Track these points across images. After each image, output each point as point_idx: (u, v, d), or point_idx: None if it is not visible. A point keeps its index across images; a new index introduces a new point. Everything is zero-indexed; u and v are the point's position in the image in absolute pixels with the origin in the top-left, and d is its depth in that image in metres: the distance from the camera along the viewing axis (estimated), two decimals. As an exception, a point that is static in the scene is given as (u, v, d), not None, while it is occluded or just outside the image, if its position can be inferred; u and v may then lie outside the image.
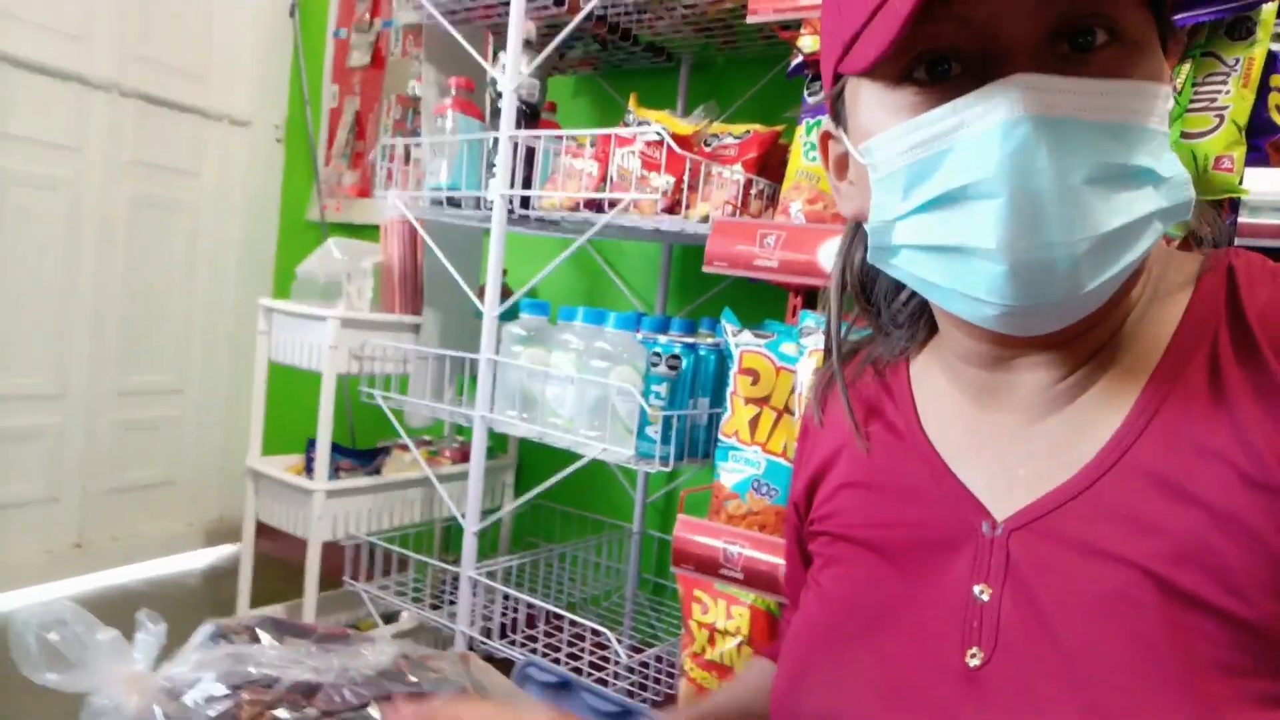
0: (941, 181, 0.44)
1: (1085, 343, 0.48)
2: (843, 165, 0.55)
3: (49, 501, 2.20)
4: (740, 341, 1.22)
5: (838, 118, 0.53)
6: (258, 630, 0.71)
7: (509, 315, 1.45)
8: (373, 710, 0.66)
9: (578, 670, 1.36)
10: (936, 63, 0.44)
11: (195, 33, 2.39)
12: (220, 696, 0.62)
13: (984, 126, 0.41)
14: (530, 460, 2.01)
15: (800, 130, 1.22)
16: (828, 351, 0.64)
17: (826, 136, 0.56)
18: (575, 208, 1.39)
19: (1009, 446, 0.50)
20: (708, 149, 1.45)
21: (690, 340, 1.34)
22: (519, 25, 1.41)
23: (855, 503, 0.57)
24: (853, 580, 0.55)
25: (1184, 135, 0.83)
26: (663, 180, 1.34)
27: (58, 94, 2.10)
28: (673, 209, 1.35)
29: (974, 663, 0.46)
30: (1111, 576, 0.43)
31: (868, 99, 0.48)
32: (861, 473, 0.58)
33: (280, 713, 0.63)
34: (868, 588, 0.54)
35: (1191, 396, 0.45)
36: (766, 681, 0.65)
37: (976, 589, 0.48)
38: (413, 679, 0.71)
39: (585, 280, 1.98)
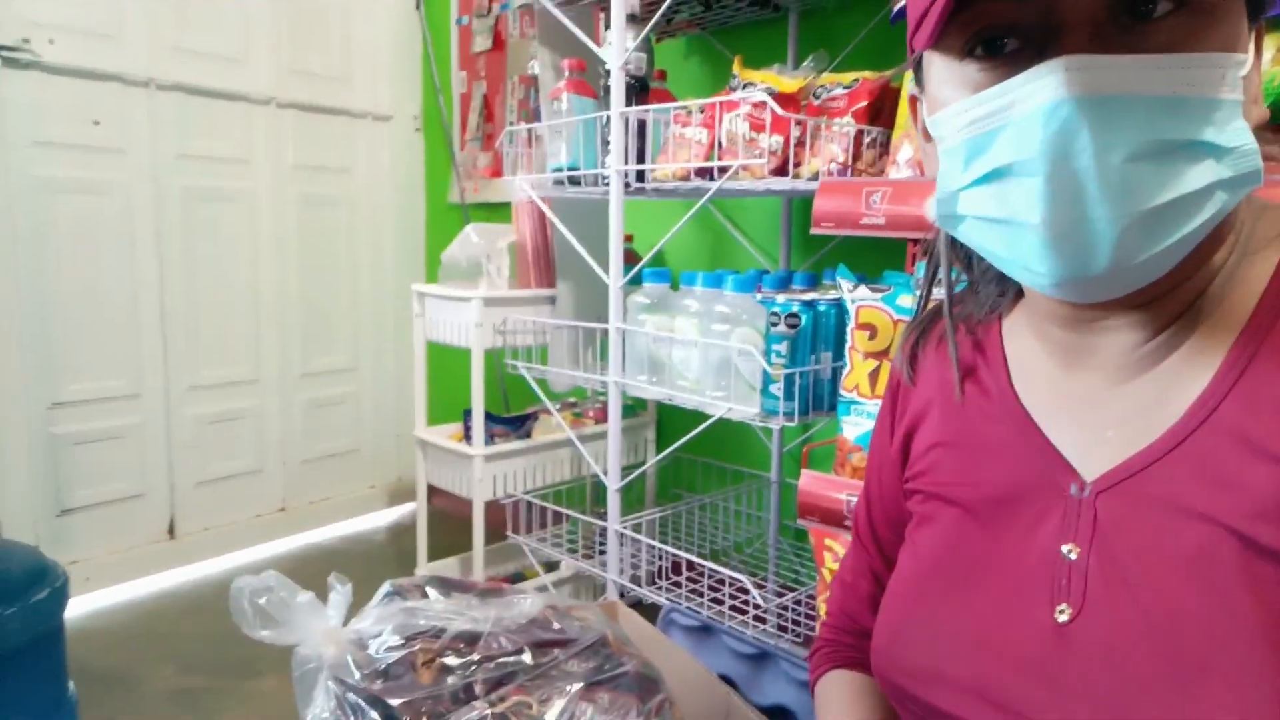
0: (994, 157, 0.45)
1: (1169, 304, 0.49)
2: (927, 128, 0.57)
3: (256, 473, 2.52)
4: (856, 297, 1.24)
5: (921, 84, 0.54)
6: (427, 588, 0.82)
7: (636, 281, 1.52)
8: (525, 655, 0.76)
9: (720, 614, 1.45)
10: (995, 38, 0.45)
11: (336, 41, 2.58)
12: (397, 646, 0.74)
13: (1030, 107, 0.42)
14: (669, 416, 2.10)
15: (910, 75, 1.20)
16: (920, 308, 0.66)
17: (914, 100, 0.58)
18: (687, 177, 1.43)
19: (1096, 408, 0.51)
20: (817, 101, 1.45)
21: (809, 297, 1.37)
22: (621, 3, 1.45)
23: (947, 461, 0.59)
24: (945, 538, 0.57)
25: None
26: (771, 140, 1.36)
27: (226, 113, 2.35)
28: (784, 168, 1.36)
29: (1062, 619, 0.48)
30: (1194, 534, 0.44)
31: (937, 72, 0.49)
32: (952, 432, 0.60)
33: (448, 659, 0.75)
34: (960, 545, 0.56)
35: (1278, 358, 0.45)
36: (857, 697, 0.68)
37: (1065, 548, 0.49)
38: (557, 626, 0.80)
39: (710, 238, 2.02)
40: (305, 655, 0.73)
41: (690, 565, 1.53)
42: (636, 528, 1.59)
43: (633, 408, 2.08)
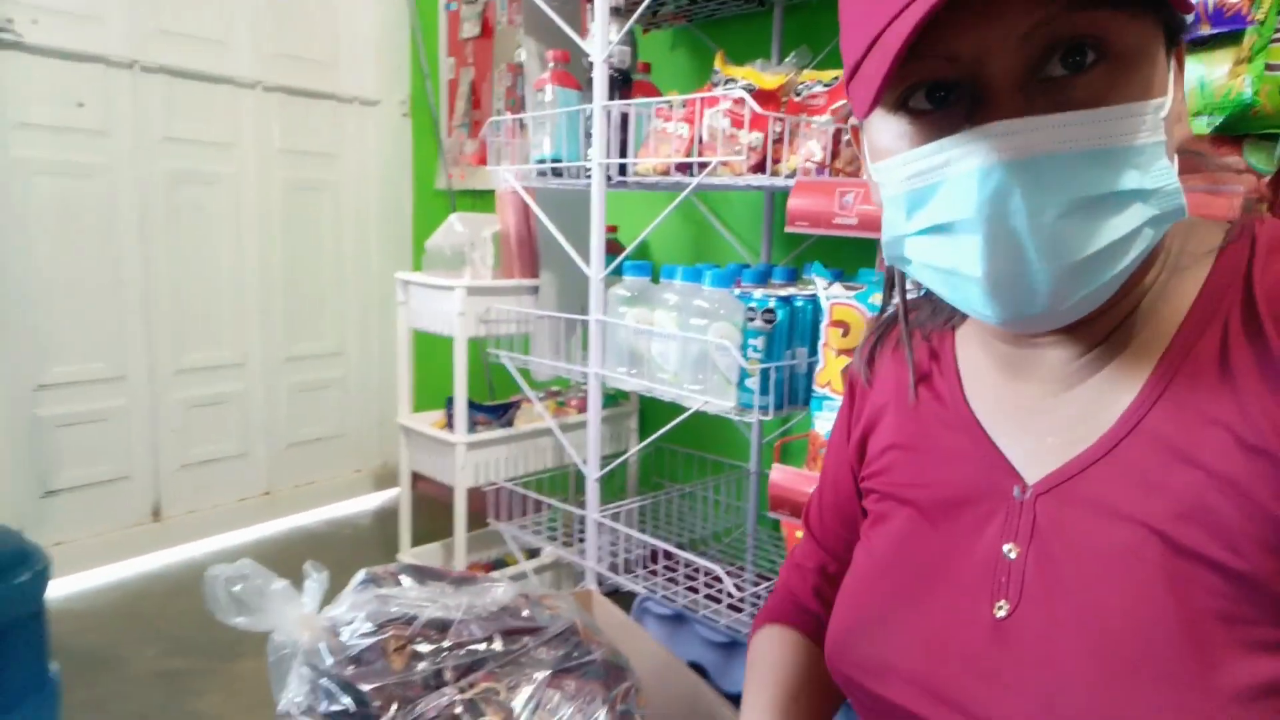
0: (934, 212, 0.48)
1: (1101, 322, 0.51)
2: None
3: (241, 457, 2.53)
4: (831, 294, 1.26)
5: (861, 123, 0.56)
6: (401, 576, 0.84)
7: (619, 272, 1.54)
8: (495, 643, 0.78)
9: (695, 603, 1.47)
10: (930, 93, 0.47)
11: (323, 24, 2.57)
12: (370, 632, 0.75)
13: (964, 169, 0.45)
14: (652, 406, 2.12)
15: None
16: (882, 311, 0.69)
17: (857, 130, 0.59)
18: (667, 171, 1.44)
19: (1038, 416, 0.54)
20: (798, 98, 1.46)
21: (785, 292, 1.39)
22: (605, -3, 1.46)
23: (901, 463, 0.62)
24: (898, 537, 0.60)
25: (1269, 67, 0.80)
26: (751, 137, 1.38)
27: (211, 96, 2.34)
28: (763, 164, 1.38)
29: (1001, 614, 0.51)
30: (1122, 535, 0.47)
31: (876, 120, 0.51)
32: (906, 435, 0.63)
33: (419, 646, 0.77)
34: (911, 544, 0.59)
35: (1200, 370, 0.47)
36: (789, 652, 0.72)
37: (1006, 547, 0.52)
38: (527, 614, 0.82)
39: (693, 230, 2.04)
40: (280, 641, 0.74)
41: (668, 554, 1.56)
42: (616, 516, 1.62)
43: (615, 397, 2.10)
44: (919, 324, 0.66)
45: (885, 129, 0.50)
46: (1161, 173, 0.45)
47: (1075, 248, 0.44)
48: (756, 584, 1.45)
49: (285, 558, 0.66)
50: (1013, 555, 0.52)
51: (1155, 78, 0.45)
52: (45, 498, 2.13)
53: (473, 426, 1.86)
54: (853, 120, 0.59)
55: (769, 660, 0.72)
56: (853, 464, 0.69)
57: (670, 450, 2.02)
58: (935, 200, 0.47)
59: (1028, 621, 0.50)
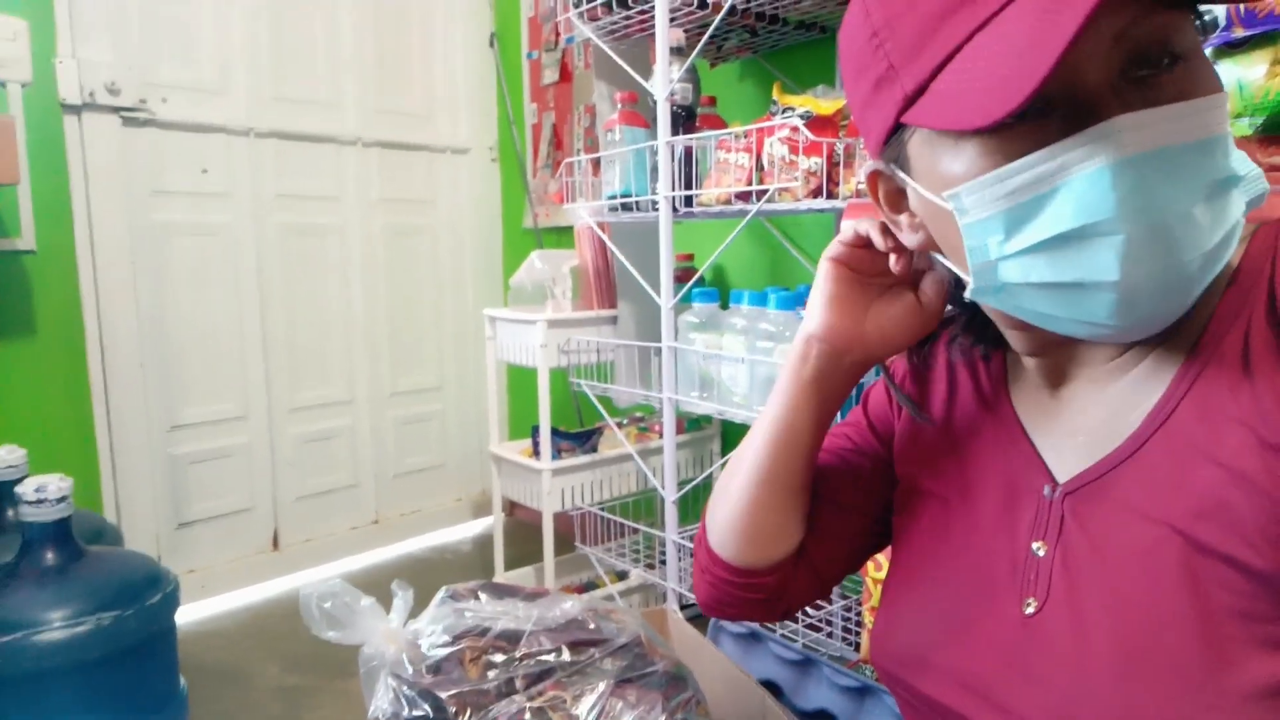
0: (1049, 224, 0.45)
1: None
2: (896, 200, 0.57)
3: (351, 487, 2.70)
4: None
5: (895, 159, 0.54)
6: (479, 592, 0.91)
7: (689, 300, 1.59)
8: (563, 653, 0.83)
9: (769, 624, 1.49)
10: (1034, 108, 0.45)
11: (417, 81, 2.76)
12: (446, 644, 0.82)
13: (1089, 169, 0.43)
14: (733, 429, 2.15)
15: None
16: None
17: (875, 175, 0.57)
18: (729, 200, 1.49)
19: (1072, 416, 0.55)
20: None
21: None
22: (664, 38, 1.53)
23: (941, 458, 0.64)
24: (933, 533, 0.62)
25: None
26: (810, 162, 1.41)
27: (318, 154, 2.54)
28: (824, 187, 1.41)
29: (1029, 611, 0.52)
30: (1145, 534, 0.48)
31: (934, 150, 0.49)
32: (946, 428, 0.64)
33: (493, 656, 0.83)
34: (948, 539, 0.60)
35: (1224, 366, 0.47)
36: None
37: (1034, 545, 0.54)
38: (593, 627, 0.87)
39: (766, 253, 2.07)
40: (369, 654, 0.82)
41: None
42: (692, 538, 1.65)
43: (698, 421, 2.14)
44: (966, 325, 0.65)
45: (960, 153, 0.47)
46: (1243, 159, 0.46)
47: (1205, 237, 0.44)
48: (832, 602, 1.46)
49: (392, 582, 0.73)
50: (1041, 553, 0.53)
51: (1214, 74, 0.47)
52: (180, 529, 2.34)
53: (558, 453, 1.94)
54: (870, 165, 0.57)
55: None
56: (870, 435, 0.71)
57: (753, 473, 2.03)
58: (1050, 210, 0.45)
59: (1054, 619, 0.51)
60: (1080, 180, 0.44)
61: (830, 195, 1.38)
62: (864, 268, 0.63)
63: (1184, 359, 0.49)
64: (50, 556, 1.16)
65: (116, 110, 2.12)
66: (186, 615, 2.25)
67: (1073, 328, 0.49)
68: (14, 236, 1.99)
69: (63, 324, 2.09)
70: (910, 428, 0.68)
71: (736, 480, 0.68)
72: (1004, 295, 0.50)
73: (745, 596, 0.70)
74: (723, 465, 1.77)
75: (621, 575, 2.11)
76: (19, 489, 1.16)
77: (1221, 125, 0.45)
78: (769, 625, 1.49)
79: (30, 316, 2.04)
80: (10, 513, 1.31)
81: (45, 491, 1.15)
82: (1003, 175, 0.46)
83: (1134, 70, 0.44)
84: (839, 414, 0.70)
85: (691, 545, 1.62)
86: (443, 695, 0.78)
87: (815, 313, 0.63)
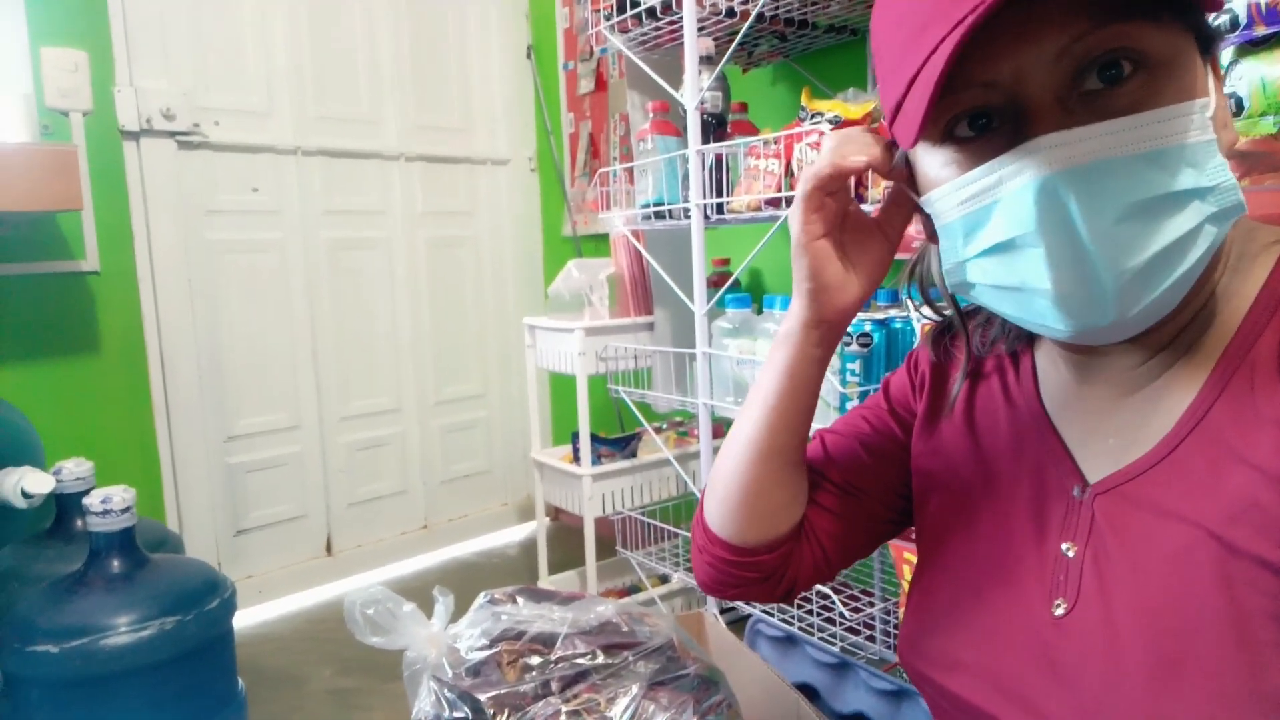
0: (994, 233, 0.49)
1: (1166, 328, 0.52)
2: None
3: (400, 494, 2.77)
4: (922, 314, 1.27)
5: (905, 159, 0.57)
6: (517, 596, 0.94)
7: (723, 305, 1.60)
8: (597, 657, 0.85)
9: (809, 626, 1.49)
10: (974, 120, 0.49)
11: (456, 95, 2.82)
12: (483, 647, 0.85)
13: (1017, 185, 0.46)
14: (773, 433, 2.15)
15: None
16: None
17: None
18: (759, 207, 1.50)
19: (1103, 418, 0.55)
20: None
21: (881, 316, 1.41)
22: (693, 48, 1.55)
23: (964, 453, 0.64)
24: (962, 532, 0.62)
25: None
26: (840, 167, 1.41)
27: (362, 171, 2.62)
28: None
29: (1059, 612, 0.52)
30: (1177, 536, 0.48)
31: (922, 154, 0.53)
32: (974, 426, 0.64)
33: (530, 659, 0.85)
34: (975, 540, 0.60)
35: (1257, 370, 0.47)
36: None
37: (1064, 546, 0.54)
38: (627, 630, 0.89)
39: (804, 258, 2.07)
40: (412, 658, 0.85)
41: (786, 578, 1.58)
42: (733, 542, 1.66)
43: (737, 425, 2.15)
44: (985, 340, 0.66)
45: (933, 161, 0.52)
46: (1217, 170, 0.46)
47: (1137, 250, 0.45)
48: (870, 605, 1.46)
49: (441, 585, 0.76)
50: (1071, 554, 0.53)
51: (1192, 81, 0.46)
52: (237, 536, 2.43)
53: (598, 459, 1.97)
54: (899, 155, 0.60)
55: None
56: (890, 419, 0.70)
57: (793, 476, 2.04)
58: (993, 220, 0.48)
59: (1084, 621, 0.51)
60: (1010, 195, 0.47)
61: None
62: (835, 217, 0.59)
63: (1216, 363, 0.50)
64: (116, 564, 1.22)
65: (172, 135, 2.22)
66: (244, 620, 2.33)
67: (1036, 328, 0.52)
68: (79, 258, 2.09)
69: (125, 341, 2.18)
70: (931, 423, 0.68)
71: (733, 459, 0.66)
72: (973, 293, 0.54)
73: (745, 575, 0.69)
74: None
75: (663, 579, 2.13)
76: (86, 500, 1.22)
77: (1179, 136, 0.45)
78: (807, 628, 1.49)
79: (95, 334, 2.14)
80: (79, 523, 1.38)
81: (110, 503, 1.21)
82: (957, 185, 0.50)
83: (1082, 84, 0.46)
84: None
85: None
86: (482, 697, 0.81)
87: (811, 298, 0.60)
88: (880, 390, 0.74)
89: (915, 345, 1.21)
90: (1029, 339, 0.64)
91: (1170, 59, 0.46)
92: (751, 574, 0.69)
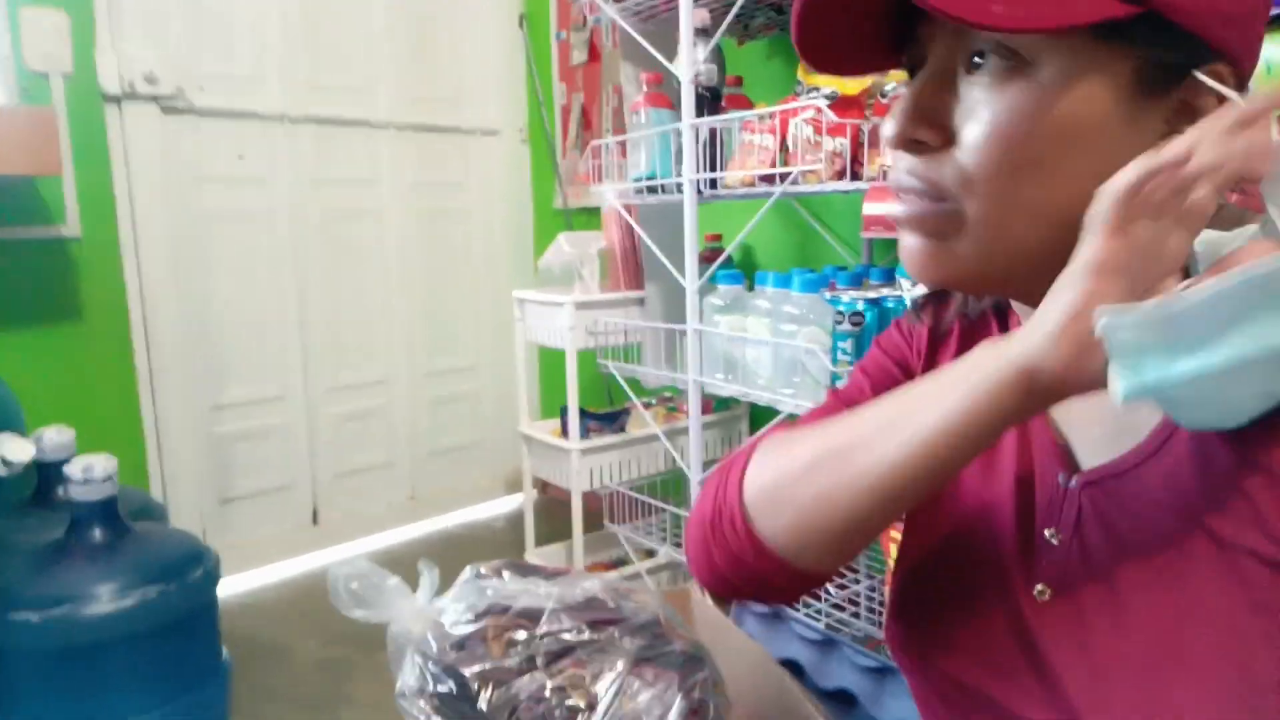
0: None
1: None
2: None
3: (387, 465, 2.76)
4: (915, 293, 1.27)
5: None
6: (504, 571, 0.93)
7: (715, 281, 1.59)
8: (583, 632, 0.85)
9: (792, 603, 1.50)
10: (910, 69, 0.52)
11: (447, 64, 2.77)
12: (469, 621, 0.85)
13: None
14: (762, 411, 2.15)
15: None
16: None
17: None
18: (753, 183, 1.49)
19: (1092, 404, 0.53)
20: (884, 100, 1.47)
21: (877, 294, 1.40)
22: (688, 19, 1.52)
23: None
24: (953, 515, 0.61)
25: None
26: (835, 143, 1.40)
27: (352, 140, 2.58)
28: (848, 168, 1.40)
29: (1042, 599, 0.52)
30: (1167, 528, 0.48)
31: None
32: None
33: (516, 634, 0.85)
34: (964, 522, 0.60)
35: None
36: None
37: (1048, 532, 0.53)
38: (612, 606, 0.89)
39: (796, 235, 2.06)
40: (396, 631, 0.84)
41: (772, 555, 1.58)
42: (721, 518, 1.66)
43: (726, 402, 2.15)
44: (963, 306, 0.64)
45: None
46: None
47: None
48: (857, 582, 1.46)
49: (427, 557, 0.75)
50: (1055, 541, 0.53)
51: (1063, 95, 0.46)
52: (223, 504, 2.42)
53: (586, 433, 1.97)
54: None
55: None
56: (906, 374, 0.67)
57: (781, 453, 2.04)
58: None
59: (1065, 608, 0.51)
60: None
61: (855, 176, 1.37)
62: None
63: None
64: (97, 534, 1.21)
65: (155, 99, 2.17)
66: (229, 589, 2.33)
67: None
68: (59, 224, 2.05)
69: (108, 308, 2.15)
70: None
71: (849, 492, 0.52)
72: None
73: (779, 588, 0.61)
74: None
75: (650, 553, 2.13)
76: (67, 469, 1.22)
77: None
78: (794, 605, 1.50)
79: (77, 301, 2.11)
80: (60, 491, 1.37)
81: (92, 471, 1.20)
82: None
83: (967, 61, 0.48)
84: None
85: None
86: (466, 672, 0.81)
87: (1063, 343, 0.43)
88: (875, 348, 0.69)
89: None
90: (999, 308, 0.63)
91: (1048, 67, 0.45)
92: (794, 587, 0.61)
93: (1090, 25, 0.43)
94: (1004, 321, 0.62)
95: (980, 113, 0.47)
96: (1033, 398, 0.45)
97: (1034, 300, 0.48)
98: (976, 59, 0.46)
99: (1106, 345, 0.41)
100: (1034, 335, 0.44)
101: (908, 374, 0.67)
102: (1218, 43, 0.45)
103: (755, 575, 0.59)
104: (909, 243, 0.52)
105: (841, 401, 0.68)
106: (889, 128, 0.50)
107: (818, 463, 0.54)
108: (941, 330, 0.65)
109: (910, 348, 0.68)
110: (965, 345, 0.64)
